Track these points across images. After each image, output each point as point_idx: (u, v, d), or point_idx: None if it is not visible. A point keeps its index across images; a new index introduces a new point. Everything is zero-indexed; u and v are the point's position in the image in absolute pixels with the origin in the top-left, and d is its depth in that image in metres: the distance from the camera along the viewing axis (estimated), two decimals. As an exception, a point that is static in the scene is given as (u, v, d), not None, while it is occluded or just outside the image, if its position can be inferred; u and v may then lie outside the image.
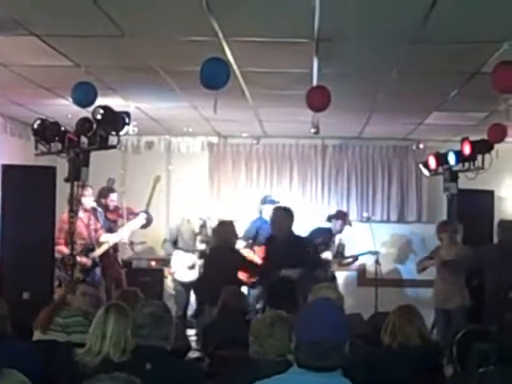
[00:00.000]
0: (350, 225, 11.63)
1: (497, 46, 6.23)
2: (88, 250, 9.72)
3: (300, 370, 3.08)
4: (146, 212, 10.63)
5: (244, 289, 10.31)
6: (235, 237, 9.39)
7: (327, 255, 11.10)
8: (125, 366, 4.23)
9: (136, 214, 10.65)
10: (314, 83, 7.35)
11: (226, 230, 9.22)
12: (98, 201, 10.49)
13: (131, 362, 4.24)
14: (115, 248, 10.51)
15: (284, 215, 8.84)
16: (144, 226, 10.76)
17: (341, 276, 12.20)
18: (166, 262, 11.11)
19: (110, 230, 10.34)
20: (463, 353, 3.42)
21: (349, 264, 11.66)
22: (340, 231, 11.33)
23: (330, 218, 11.44)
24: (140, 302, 5.49)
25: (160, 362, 4.21)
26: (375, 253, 11.61)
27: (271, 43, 6.38)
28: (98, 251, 9.87)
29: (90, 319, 5.72)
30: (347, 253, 11.53)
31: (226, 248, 8.96)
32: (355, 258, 11.56)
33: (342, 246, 11.45)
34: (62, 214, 9.35)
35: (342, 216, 11.43)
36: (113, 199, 10.72)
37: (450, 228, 9.61)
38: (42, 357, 4.92)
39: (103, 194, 10.64)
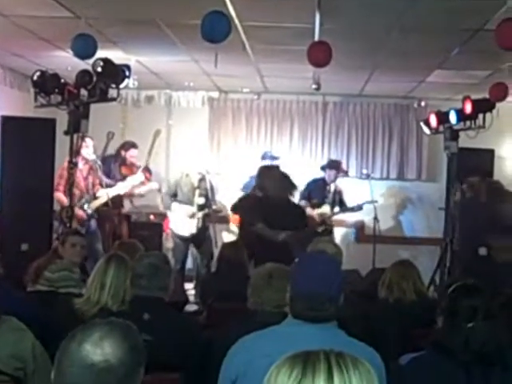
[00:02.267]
0: (347, 173, 11.63)
1: (501, 3, 6.18)
2: (84, 201, 9.74)
3: (295, 321, 3.11)
4: (148, 170, 10.65)
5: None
6: None
7: (324, 209, 11.16)
8: (122, 316, 4.25)
9: (149, 179, 10.69)
10: (316, 39, 7.30)
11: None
12: (117, 152, 10.55)
13: (129, 311, 4.27)
14: (118, 202, 10.53)
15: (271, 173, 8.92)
16: (142, 181, 10.78)
17: (339, 232, 12.26)
18: (165, 215, 11.14)
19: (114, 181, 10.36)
20: (453, 306, 3.46)
21: (352, 210, 11.56)
22: (334, 180, 11.37)
23: (323, 168, 11.50)
24: (139, 253, 5.53)
25: (158, 312, 4.24)
26: (374, 202, 11.58)
27: (273, -3, 6.35)
28: (94, 204, 9.89)
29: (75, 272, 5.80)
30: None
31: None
32: (359, 207, 11.50)
33: (339, 193, 11.45)
34: (63, 162, 9.35)
35: (334, 166, 11.46)
36: (132, 154, 10.73)
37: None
38: (41, 306, 4.96)
39: (125, 146, 10.69)
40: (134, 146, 10.78)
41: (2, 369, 3.58)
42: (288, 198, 8.65)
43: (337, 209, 11.39)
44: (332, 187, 11.42)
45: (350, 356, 2.07)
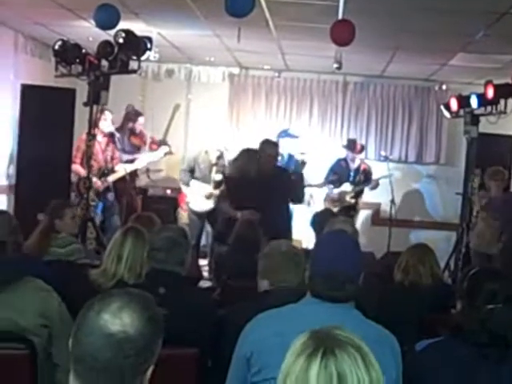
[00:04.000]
0: (362, 151, 11.55)
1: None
2: (102, 174, 9.73)
3: (313, 300, 3.09)
4: (166, 143, 10.64)
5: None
6: None
7: (345, 188, 11.15)
8: (138, 288, 4.25)
9: (159, 145, 10.66)
10: (340, 17, 7.24)
11: None
12: (123, 124, 10.51)
13: (145, 284, 4.25)
14: (134, 175, 10.54)
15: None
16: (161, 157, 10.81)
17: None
18: (181, 190, 11.14)
19: (131, 154, 10.36)
20: (473, 289, 3.43)
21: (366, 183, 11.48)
22: (353, 159, 11.33)
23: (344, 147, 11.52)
24: (156, 226, 5.50)
25: (174, 286, 4.21)
26: (390, 175, 11.52)
27: (299, -27, 6.29)
28: (112, 177, 9.89)
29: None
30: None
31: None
32: (376, 182, 11.43)
33: (364, 172, 11.37)
34: (81, 134, 9.35)
35: (348, 146, 11.43)
36: (141, 122, 10.74)
37: (500, 177, 9.52)
38: (56, 274, 4.96)
39: (131, 117, 10.66)
40: (138, 114, 10.76)
41: (27, 326, 3.60)
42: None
43: (348, 186, 11.29)
44: (355, 166, 11.36)
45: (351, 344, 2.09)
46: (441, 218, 12.50)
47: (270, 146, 9.02)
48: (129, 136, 10.57)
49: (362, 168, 11.40)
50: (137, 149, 10.60)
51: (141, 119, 10.73)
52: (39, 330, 3.60)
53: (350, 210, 11.19)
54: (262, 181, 8.54)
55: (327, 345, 2.07)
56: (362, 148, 11.63)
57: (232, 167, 9.41)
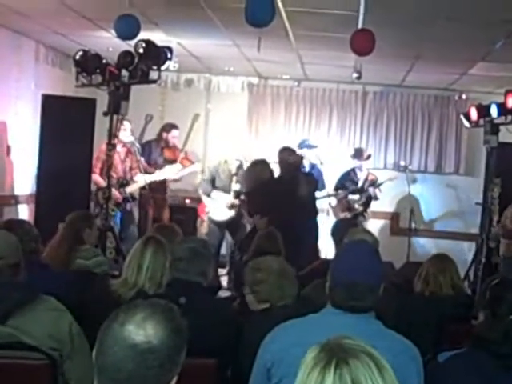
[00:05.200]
0: (368, 158, 11.55)
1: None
2: (121, 184, 9.75)
3: (334, 311, 3.09)
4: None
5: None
6: None
7: (353, 196, 11.19)
8: (159, 298, 4.26)
9: (191, 162, 10.69)
10: (360, 26, 7.24)
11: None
12: (159, 135, 10.56)
13: (166, 294, 4.26)
14: (163, 187, 10.56)
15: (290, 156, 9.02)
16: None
17: (374, 224, 12.17)
18: (200, 200, 11.16)
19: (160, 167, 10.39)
20: (495, 300, 3.42)
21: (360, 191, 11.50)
22: (360, 168, 11.35)
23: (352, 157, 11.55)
24: (179, 237, 5.51)
25: (195, 296, 4.21)
26: (393, 179, 11.56)
27: (318, -17, 6.30)
28: (130, 188, 9.89)
29: None
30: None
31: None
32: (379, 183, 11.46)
33: (370, 182, 11.38)
34: (100, 144, 9.38)
35: (355, 155, 11.45)
36: (174, 135, 10.74)
37: None
38: (78, 285, 4.98)
39: (166, 128, 10.70)
40: (174, 126, 10.78)
41: (38, 347, 3.59)
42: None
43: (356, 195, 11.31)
44: (363, 175, 11.37)
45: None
46: (460, 228, 12.44)
47: (289, 153, 9.07)
48: (162, 148, 10.60)
49: (369, 178, 11.41)
50: (168, 162, 10.57)
51: (174, 132, 10.72)
52: (49, 351, 3.58)
53: (359, 217, 11.18)
54: (284, 188, 8.57)
55: (339, 355, 2.08)
56: (369, 156, 11.62)
57: (247, 181, 9.46)
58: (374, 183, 11.39)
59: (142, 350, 2.05)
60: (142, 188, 10.07)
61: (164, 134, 10.67)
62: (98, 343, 2.11)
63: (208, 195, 10.50)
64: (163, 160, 10.55)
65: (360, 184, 11.32)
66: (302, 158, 9.75)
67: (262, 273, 4.51)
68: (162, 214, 10.65)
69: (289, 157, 9.04)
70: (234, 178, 10.46)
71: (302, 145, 11.32)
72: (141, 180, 9.97)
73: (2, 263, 3.66)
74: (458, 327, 5.07)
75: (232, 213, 10.36)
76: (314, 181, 9.53)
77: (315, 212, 9.36)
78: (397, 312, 5.12)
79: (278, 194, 8.58)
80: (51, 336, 3.58)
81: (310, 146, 11.27)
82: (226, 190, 10.41)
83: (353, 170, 11.45)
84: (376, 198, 11.37)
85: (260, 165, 9.31)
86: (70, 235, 5.88)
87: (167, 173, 10.35)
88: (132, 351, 2.05)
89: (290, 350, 2.95)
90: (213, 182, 10.50)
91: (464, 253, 11.17)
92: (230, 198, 10.37)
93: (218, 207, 10.41)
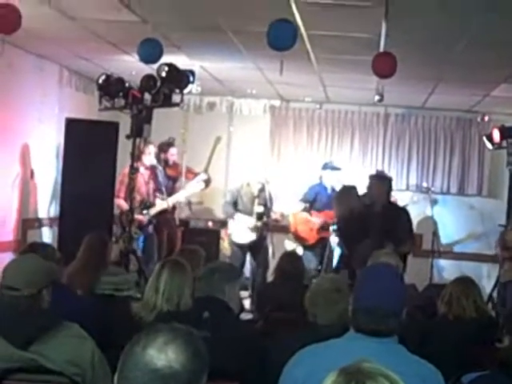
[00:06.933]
0: None
1: None
2: (145, 206, 9.79)
3: (356, 335, 3.07)
4: (206, 173, 10.67)
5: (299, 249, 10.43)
6: None
7: None
8: (183, 315, 4.28)
9: (195, 175, 10.69)
10: (381, 49, 7.25)
11: None
12: (157, 156, 10.55)
13: (188, 312, 4.27)
14: (173, 207, 10.58)
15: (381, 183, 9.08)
16: (203, 188, 10.82)
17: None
18: (223, 223, 11.17)
19: (169, 189, 10.40)
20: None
21: None
22: None
23: None
24: (202, 258, 5.53)
25: (216, 312, 4.17)
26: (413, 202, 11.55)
27: (340, 6, 6.30)
28: (154, 209, 9.94)
29: None
30: None
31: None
32: None
33: None
34: (124, 168, 9.43)
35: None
36: (173, 153, 10.77)
37: None
38: (100, 309, 4.99)
39: (163, 148, 10.69)
40: (171, 144, 10.79)
41: (62, 371, 3.60)
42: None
43: None
44: None
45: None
46: (483, 250, 12.35)
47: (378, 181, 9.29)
48: (163, 167, 10.62)
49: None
50: (172, 180, 10.64)
51: (172, 150, 10.76)
52: (71, 376, 3.59)
53: None
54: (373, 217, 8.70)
55: (357, 378, 2.07)
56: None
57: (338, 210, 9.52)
58: None
59: (163, 374, 2.05)
60: (163, 210, 10.10)
61: (162, 155, 10.67)
62: (120, 367, 2.11)
63: (231, 217, 10.52)
64: (169, 179, 10.58)
65: None
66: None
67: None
68: (175, 236, 10.67)
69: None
70: (256, 201, 10.48)
71: (325, 166, 11.32)
72: (163, 202, 10.01)
73: (17, 294, 3.65)
74: (482, 350, 5.04)
75: (254, 235, 10.37)
76: None
77: None
78: (420, 336, 5.10)
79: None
80: (72, 362, 3.59)
81: (334, 168, 11.26)
82: (248, 213, 10.43)
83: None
84: None
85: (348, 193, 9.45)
86: (94, 258, 5.91)
87: (190, 189, 10.39)
88: (154, 376, 2.05)
89: (313, 375, 2.92)
90: (235, 205, 10.52)
91: (487, 275, 11.10)
92: (252, 221, 10.38)
93: (240, 229, 10.43)
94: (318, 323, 4.30)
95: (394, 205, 9.25)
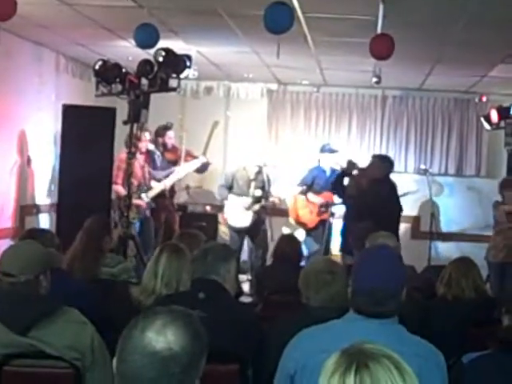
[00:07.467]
0: None
1: None
2: (142, 190, 9.79)
3: (356, 316, 3.07)
4: (205, 156, 10.66)
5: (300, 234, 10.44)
6: None
7: None
8: (177, 296, 4.28)
9: (194, 157, 10.67)
10: (379, 31, 7.23)
11: None
12: (155, 141, 10.52)
13: (185, 293, 4.26)
14: (172, 191, 10.57)
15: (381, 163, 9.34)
16: (200, 171, 10.78)
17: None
18: (220, 207, 11.17)
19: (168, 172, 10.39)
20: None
21: None
22: None
23: None
24: (201, 243, 5.53)
25: (213, 293, 4.14)
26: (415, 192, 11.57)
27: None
28: (152, 192, 9.94)
29: None
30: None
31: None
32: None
33: None
34: (120, 153, 9.43)
35: None
36: (170, 136, 10.73)
37: None
38: (99, 294, 5.00)
39: (159, 132, 10.66)
40: (167, 128, 10.75)
41: (62, 356, 3.61)
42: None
43: None
44: None
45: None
46: (481, 231, 12.36)
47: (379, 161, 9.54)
48: (162, 152, 10.60)
49: None
50: (172, 164, 10.62)
51: (169, 133, 10.72)
52: (71, 361, 3.60)
53: None
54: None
55: (359, 359, 2.07)
56: None
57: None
58: None
59: (162, 356, 2.05)
60: (161, 194, 10.09)
61: (160, 139, 10.64)
62: (119, 351, 2.11)
63: (224, 199, 10.54)
64: (167, 163, 10.57)
65: None
66: None
67: None
68: (174, 221, 10.66)
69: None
70: (253, 184, 10.47)
71: (323, 149, 11.31)
72: (160, 184, 10.01)
73: (14, 281, 3.65)
74: (482, 330, 5.05)
75: (250, 217, 10.36)
76: None
77: None
78: (420, 317, 5.11)
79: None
80: (72, 347, 3.59)
81: (332, 151, 11.24)
82: (244, 195, 10.43)
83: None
84: None
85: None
86: (93, 244, 5.90)
87: (185, 169, 10.37)
88: (153, 358, 2.05)
89: (312, 357, 2.94)
90: (230, 189, 10.52)
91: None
92: (247, 200, 10.37)
93: (236, 213, 10.42)
94: (310, 305, 4.30)
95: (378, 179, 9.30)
